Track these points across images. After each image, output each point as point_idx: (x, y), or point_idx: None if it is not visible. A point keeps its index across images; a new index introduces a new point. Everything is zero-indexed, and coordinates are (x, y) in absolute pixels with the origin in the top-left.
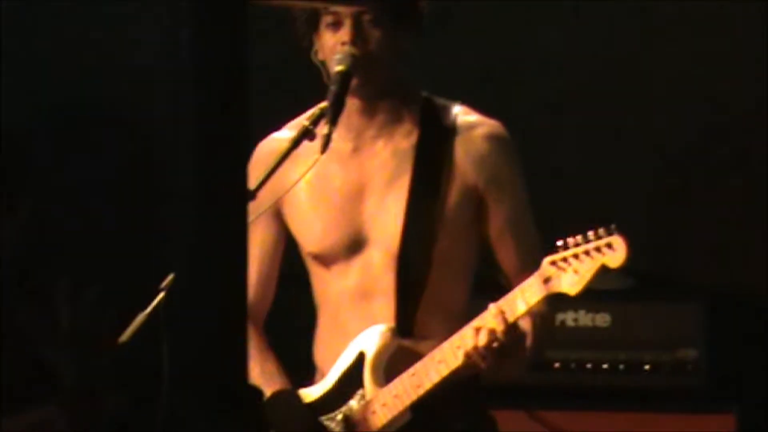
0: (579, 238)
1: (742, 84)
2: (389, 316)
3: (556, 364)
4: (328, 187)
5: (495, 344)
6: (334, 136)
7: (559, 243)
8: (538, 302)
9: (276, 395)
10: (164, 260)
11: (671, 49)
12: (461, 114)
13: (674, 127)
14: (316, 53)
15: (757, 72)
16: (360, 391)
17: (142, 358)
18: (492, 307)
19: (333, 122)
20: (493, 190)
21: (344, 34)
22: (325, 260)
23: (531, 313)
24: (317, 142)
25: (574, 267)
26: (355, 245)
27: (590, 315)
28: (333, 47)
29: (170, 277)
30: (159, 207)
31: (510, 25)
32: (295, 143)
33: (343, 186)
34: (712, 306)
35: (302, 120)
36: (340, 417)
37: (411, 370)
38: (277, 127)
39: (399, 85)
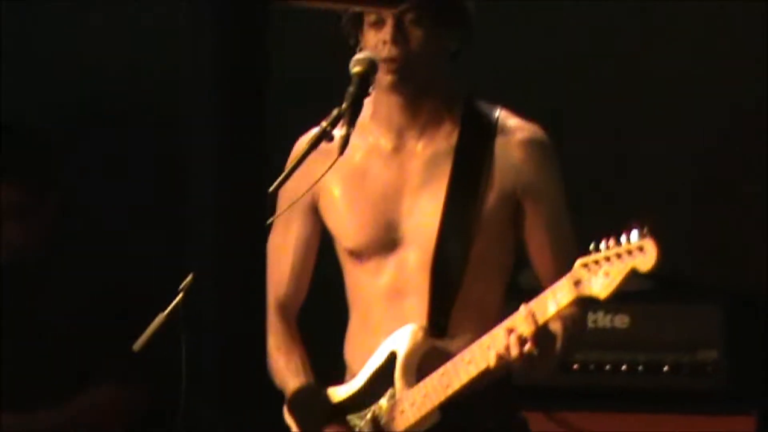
0: (612, 240)
1: (742, 84)
2: (421, 316)
3: (575, 366)
4: (366, 184)
5: (525, 345)
6: (376, 133)
7: (593, 246)
8: (569, 304)
9: (299, 390)
10: (182, 261)
11: (671, 49)
12: (502, 117)
13: (700, 126)
14: (362, 51)
15: (758, 72)
16: (390, 391)
17: (163, 358)
18: (523, 309)
19: (351, 123)
20: (529, 197)
21: (386, 33)
22: (360, 256)
23: (562, 314)
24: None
25: (605, 269)
26: (390, 243)
27: (609, 316)
28: (375, 46)
29: (189, 278)
30: (178, 208)
31: (510, 25)
32: (313, 145)
33: (382, 183)
34: (732, 307)
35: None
36: (369, 416)
37: (441, 369)
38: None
39: (442, 85)
